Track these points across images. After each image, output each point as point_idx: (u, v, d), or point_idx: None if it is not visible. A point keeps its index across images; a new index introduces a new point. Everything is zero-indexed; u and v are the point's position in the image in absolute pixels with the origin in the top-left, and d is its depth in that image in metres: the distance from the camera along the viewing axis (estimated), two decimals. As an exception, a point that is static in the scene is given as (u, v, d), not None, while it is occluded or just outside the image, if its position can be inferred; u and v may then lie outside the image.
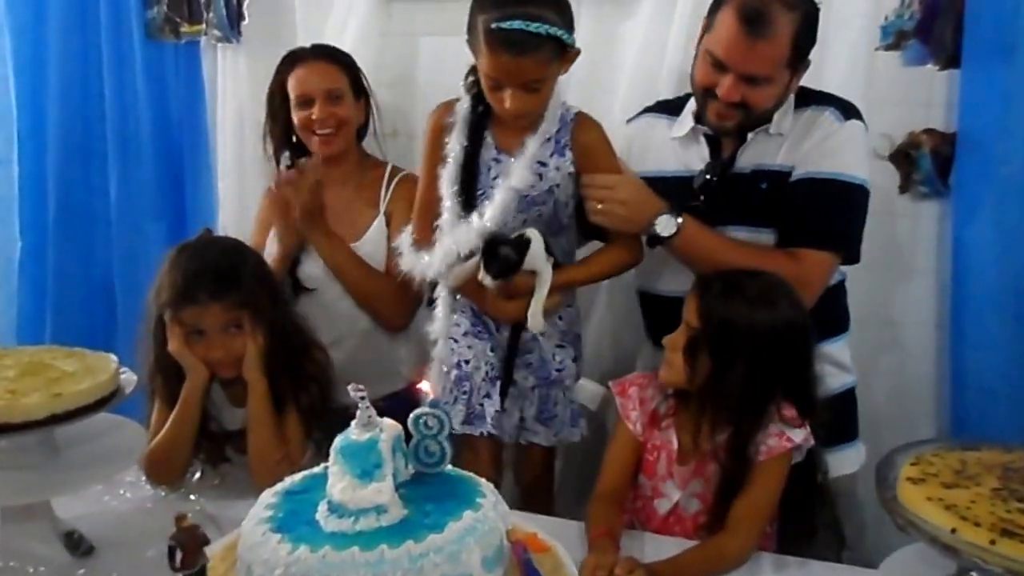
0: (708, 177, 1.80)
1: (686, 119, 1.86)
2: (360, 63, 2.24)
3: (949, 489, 1.15)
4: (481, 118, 1.72)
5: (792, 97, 1.78)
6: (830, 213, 1.71)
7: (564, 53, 1.63)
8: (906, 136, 2.10)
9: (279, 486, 1.13)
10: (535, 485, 1.91)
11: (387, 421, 1.06)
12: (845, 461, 1.86)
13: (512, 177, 1.68)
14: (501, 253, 1.66)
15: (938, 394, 2.17)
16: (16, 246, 2.88)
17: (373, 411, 1.03)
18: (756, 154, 1.78)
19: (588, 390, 1.85)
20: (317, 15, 2.49)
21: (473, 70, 1.70)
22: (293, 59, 2.18)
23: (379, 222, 2.14)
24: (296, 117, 2.14)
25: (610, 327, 2.33)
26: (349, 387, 1.04)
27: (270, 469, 1.61)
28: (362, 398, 1.03)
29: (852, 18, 2.05)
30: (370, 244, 2.13)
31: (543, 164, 1.70)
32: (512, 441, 1.83)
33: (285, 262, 2.11)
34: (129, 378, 1.55)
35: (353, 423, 1.04)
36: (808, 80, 1.94)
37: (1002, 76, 1.94)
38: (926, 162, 2.09)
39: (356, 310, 2.14)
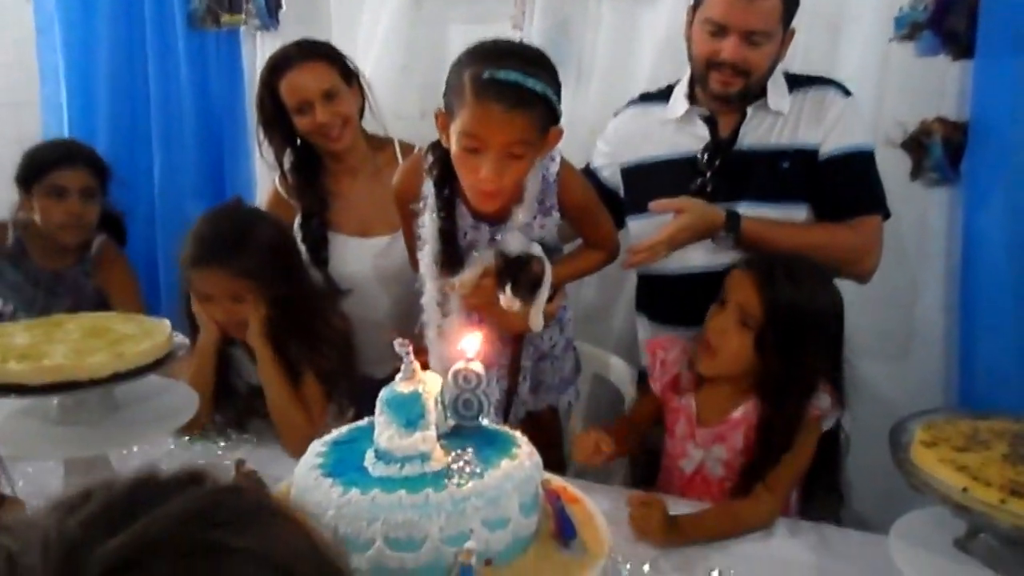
0: (708, 157, 1.80)
1: (679, 102, 1.86)
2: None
3: (961, 452, 1.16)
4: (449, 197, 1.58)
5: (782, 77, 1.81)
6: (867, 180, 1.79)
7: (549, 129, 1.49)
8: (918, 124, 2.09)
9: (327, 437, 1.16)
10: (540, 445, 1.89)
11: (429, 375, 1.08)
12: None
13: (507, 244, 1.59)
14: (530, 275, 1.59)
15: (946, 376, 2.16)
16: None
17: (417, 365, 1.06)
18: (761, 133, 1.79)
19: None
20: (351, 3, 2.50)
21: (435, 147, 1.57)
22: (278, 65, 2.02)
23: None
24: (299, 124, 2.02)
25: (601, 300, 2.34)
26: (395, 342, 1.06)
27: (292, 432, 1.66)
28: (407, 352, 1.05)
29: (867, 10, 2.06)
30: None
31: (527, 225, 1.60)
32: (517, 420, 1.80)
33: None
34: (182, 341, 1.58)
35: (398, 376, 1.06)
36: (822, 69, 1.96)
37: (1014, 66, 1.93)
38: (937, 149, 2.08)
39: (391, 298, 2.09)
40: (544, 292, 1.63)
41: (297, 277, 1.82)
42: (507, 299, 1.56)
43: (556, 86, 1.47)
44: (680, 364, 1.63)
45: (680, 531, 1.38)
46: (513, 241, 1.58)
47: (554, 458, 1.88)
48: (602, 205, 1.75)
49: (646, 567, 1.33)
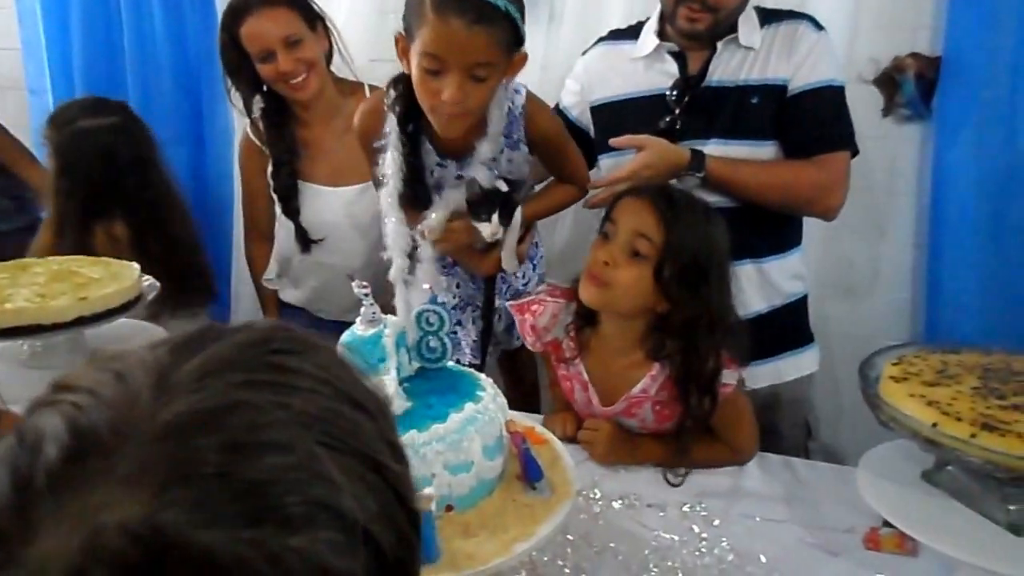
0: (675, 94, 1.68)
1: (648, 39, 1.73)
2: None
3: (931, 387, 1.09)
4: (414, 133, 1.47)
5: (754, 12, 1.68)
6: (835, 116, 1.67)
7: (513, 49, 1.36)
8: (891, 60, 1.97)
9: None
10: (515, 385, 1.79)
11: (391, 318, 0.99)
12: (805, 363, 1.80)
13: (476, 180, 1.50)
14: (512, 204, 1.48)
15: (913, 311, 2.09)
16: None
17: (377, 307, 0.97)
18: (731, 68, 1.67)
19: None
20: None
21: (397, 81, 1.45)
22: (238, 10, 1.85)
23: None
24: (262, 72, 1.87)
25: (574, 238, 2.21)
26: (353, 284, 0.97)
27: None
28: (366, 295, 0.96)
29: (842, -57, 1.92)
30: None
31: (494, 160, 1.50)
32: (493, 360, 1.72)
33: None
34: (152, 285, 1.49)
35: (358, 319, 0.97)
36: (796, 5, 1.84)
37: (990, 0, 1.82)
38: (909, 86, 1.96)
39: (365, 247, 1.97)
40: (515, 232, 1.54)
41: (86, 179, 1.89)
42: (493, 227, 1.45)
43: (519, 5, 1.34)
44: (555, 330, 1.44)
45: (634, 445, 1.35)
46: (479, 177, 1.48)
47: (530, 395, 1.82)
48: (571, 138, 1.64)
49: (617, 504, 1.26)
